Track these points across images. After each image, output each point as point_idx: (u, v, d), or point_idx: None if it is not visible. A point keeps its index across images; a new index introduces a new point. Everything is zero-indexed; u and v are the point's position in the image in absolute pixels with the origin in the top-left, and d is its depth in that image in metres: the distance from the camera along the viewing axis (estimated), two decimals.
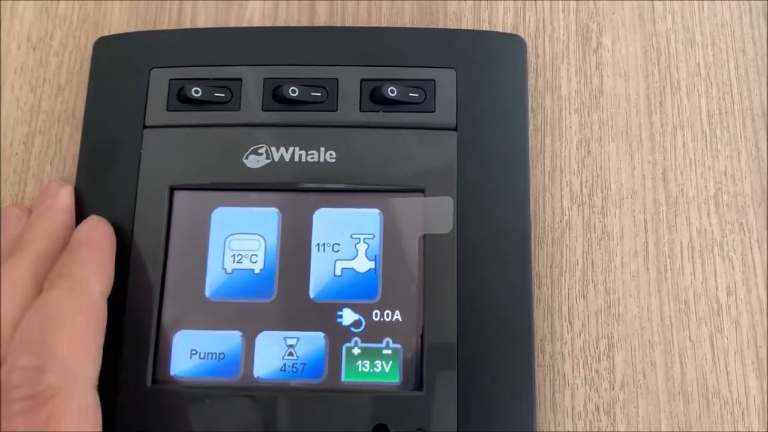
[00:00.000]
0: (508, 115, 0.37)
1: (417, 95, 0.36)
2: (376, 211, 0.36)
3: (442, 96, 0.36)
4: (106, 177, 0.36)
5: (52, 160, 0.39)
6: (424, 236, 0.35)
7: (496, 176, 0.36)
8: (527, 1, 0.40)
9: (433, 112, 0.36)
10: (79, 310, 0.31)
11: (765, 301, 0.36)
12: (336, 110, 0.36)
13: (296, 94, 0.36)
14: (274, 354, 0.34)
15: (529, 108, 0.37)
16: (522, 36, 0.38)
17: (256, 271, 0.35)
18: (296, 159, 0.36)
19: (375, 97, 0.36)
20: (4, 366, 0.29)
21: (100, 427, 0.29)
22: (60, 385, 0.28)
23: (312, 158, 0.36)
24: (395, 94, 0.36)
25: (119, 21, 0.41)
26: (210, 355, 0.34)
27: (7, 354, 0.29)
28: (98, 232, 0.34)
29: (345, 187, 0.36)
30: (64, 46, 0.41)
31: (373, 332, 0.34)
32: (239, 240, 0.36)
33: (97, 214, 0.35)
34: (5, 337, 0.30)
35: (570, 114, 0.38)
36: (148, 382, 0.34)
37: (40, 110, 0.40)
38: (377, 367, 0.34)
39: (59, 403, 0.28)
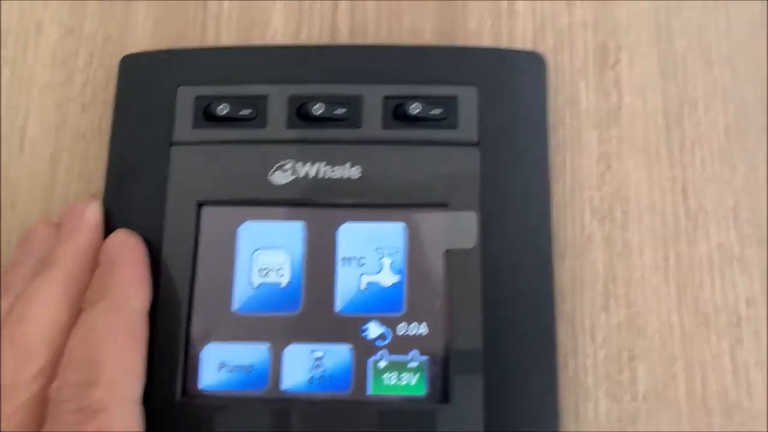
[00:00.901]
0: (528, 130, 0.37)
1: (439, 112, 0.37)
2: (400, 225, 0.36)
3: (464, 113, 0.37)
4: (133, 194, 0.37)
5: (78, 177, 0.40)
6: (448, 251, 0.35)
7: (518, 191, 0.36)
8: (546, 19, 0.41)
9: (456, 128, 0.37)
10: (121, 329, 0.31)
11: None
12: (360, 127, 0.37)
13: (321, 111, 0.37)
14: (302, 366, 0.35)
15: (549, 124, 0.38)
16: (541, 53, 0.39)
17: (283, 284, 0.36)
18: (321, 175, 0.37)
19: (398, 114, 0.37)
20: (55, 383, 0.30)
21: None
22: (108, 399, 0.29)
23: (337, 174, 0.36)
24: (418, 111, 0.37)
25: (143, 39, 0.42)
26: (238, 368, 0.35)
27: (45, 368, 0.30)
28: (129, 246, 0.34)
29: (370, 202, 0.36)
30: (89, 65, 0.42)
31: (399, 345, 0.35)
32: (266, 254, 0.36)
33: None
34: (45, 352, 0.30)
35: (589, 130, 0.39)
36: (178, 396, 0.34)
37: (66, 128, 0.41)
38: (403, 380, 0.34)
39: (107, 416, 0.29)
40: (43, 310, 0.31)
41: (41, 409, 0.29)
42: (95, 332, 0.31)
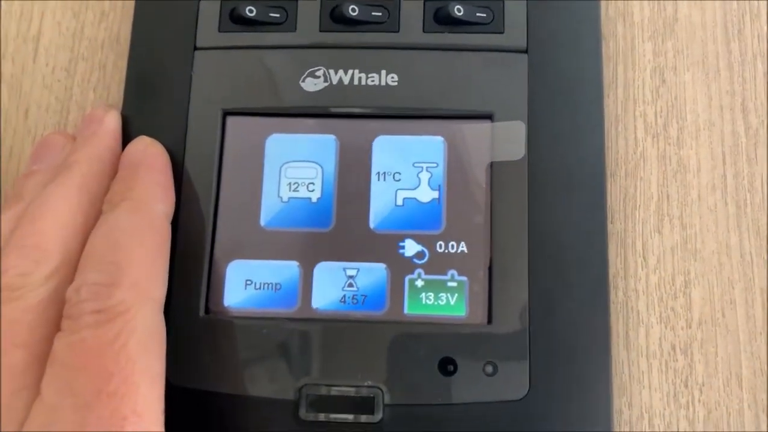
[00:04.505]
0: (580, 40, 0.35)
1: (485, 15, 0.34)
2: (440, 138, 0.34)
3: (512, 17, 0.34)
4: (154, 102, 0.35)
5: (95, 87, 0.38)
6: (492, 164, 0.33)
7: (569, 104, 0.34)
8: None
9: (502, 33, 0.34)
10: (145, 231, 0.29)
11: None
12: (398, 31, 0.34)
13: (356, 13, 0.34)
14: (334, 285, 0.32)
15: (602, 35, 0.35)
16: None
17: (314, 200, 0.33)
18: (356, 82, 0.34)
19: (440, 17, 0.34)
20: (73, 283, 0.28)
21: (164, 349, 0.28)
22: (131, 301, 0.27)
23: (372, 81, 0.34)
24: (461, 13, 0.34)
25: None
26: (266, 285, 0.33)
27: (58, 269, 0.28)
28: (153, 152, 0.32)
29: (407, 113, 0.34)
30: None
31: (438, 264, 0.33)
32: (295, 168, 0.34)
33: None
34: (57, 253, 0.28)
35: (643, 42, 0.36)
36: (201, 312, 0.32)
37: (83, 36, 0.38)
38: (442, 300, 0.32)
39: (130, 319, 0.26)
40: (56, 212, 0.29)
41: (55, 313, 0.27)
42: (117, 232, 0.29)
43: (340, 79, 0.34)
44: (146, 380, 0.26)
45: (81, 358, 0.26)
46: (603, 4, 0.37)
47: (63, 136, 0.35)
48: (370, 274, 0.33)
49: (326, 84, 0.34)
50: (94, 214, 0.31)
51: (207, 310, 0.32)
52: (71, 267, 0.29)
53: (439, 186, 0.33)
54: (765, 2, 0.37)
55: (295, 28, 0.35)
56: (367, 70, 0.34)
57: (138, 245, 0.29)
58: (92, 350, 0.26)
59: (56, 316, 0.27)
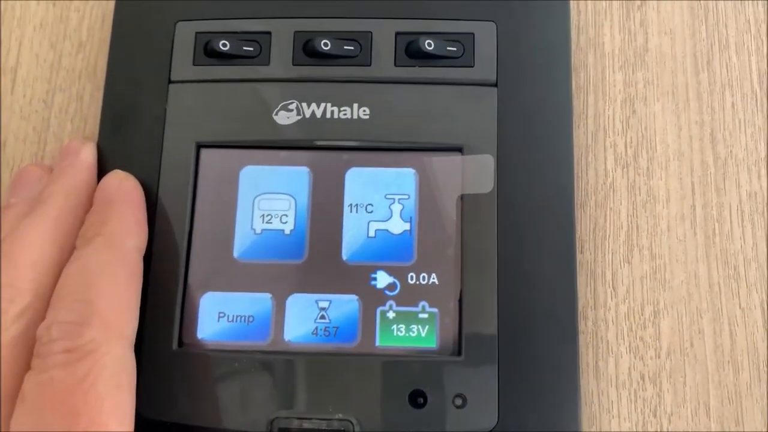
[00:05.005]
0: (550, 71, 0.35)
1: (455, 49, 0.35)
2: (411, 170, 0.34)
3: (482, 50, 0.35)
4: (130, 134, 0.35)
5: (72, 118, 0.38)
6: (462, 196, 0.33)
7: (538, 135, 0.34)
8: None
9: (472, 67, 0.35)
10: (117, 267, 0.30)
11: None
12: (370, 65, 0.35)
13: (328, 47, 0.35)
14: (306, 317, 0.33)
15: (572, 66, 0.35)
16: None
17: (287, 231, 0.34)
18: (328, 115, 0.34)
19: (411, 51, 0.35)
20: (44, 321, 0.28)
21: (134, 385, 0.28)
22: (102, 340, 0.27)
23: (345, 115, 0.34)
24: (432, 47, 0.34)
25: None
26: (239, 318, 0.33)
27: (30, 307, 0.28)
28: (127, 186, 0.33)
29: (379, 146, 0.34)
30: (84, 2, 0.39)
31: (409, 296, 0.33)
32: (269, 200, 0.34)
33: None
34: (30, 291, 0.29)
35: (614, 72, 0.37)
36: (174, 345, 0.32)
37: (60, 67, 0.39)
38: (413, 332, 0.32)
39: (99, 357, 0.27)
40: (31, 247, 0.30)
41: (27, 350, 0.28)
42: (89, 269, 0.29)
43: (313, 113, 0.34)
44: (115, 418, 0.27)
45: (50, 397, 0.26)
46: (574, 33, 0.37)
47: (39, 168, 0.35)
48: (342, 306, 0.33)
49: (299, 117, 0.34)
50: (68, 248, 0.31)
51: (180, 343, 0.33)
52: (44, 303, 0.29)
53: (411, 218, 0.34)
54: (733, 33, 0.37)
55: (269, 62, 0.35)
56: (339, 104, 0.34)
57: (109, 283, 0.29)
58: (61, 389, 0.26)
59: (27, 353, 0.28)
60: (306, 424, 0.31)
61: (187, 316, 0.33)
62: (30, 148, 0.38)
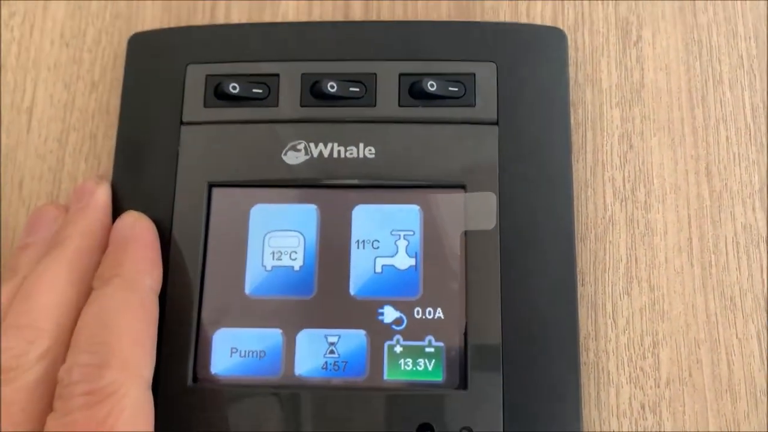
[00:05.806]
0: (549, 108, 0.36)
1: (457, 89, 0.36)
2: (416, 207, 0.35)
3: (483, 90, 0.36)
4: (143, 174, 0.36)
5: (86, 157, 0.39)
6: (466, 233, 0.34)
7: (539, 171, 0.35)
8: None
9: (474, 106, 0.36)
10: (134, 308, 0.31)
11: None
12: (375, 105, 0.36)
13: (334, 89, 0.36)
14: (316, 352, 0.34)
15: (570, 102, 0.36)
16: (561, 29, 0.37)
17: (296, 268, 0.35)
18: (335, 155, 0.36)
19: (414, 92, 0.36)
20: (65, 364, 0.29)
21: (152, 424, 0.29)
22: (121, 381, 0.28)
23: (351, 154, 0.35)
24: (435, 88, 0.35)
25: (152, 18, 0.41)
26: (251, 353, 0.34)
27: (50, 349, 0.29)
28: (141, 227, 0.34)
29: (384, 183, 0.35)
30: (97, 43, 0.41)
31: (415, 330, 0.34)
32: (278, 237, 0.35)
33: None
34: (49, 332, 0.30)
35: (611, 108, 0.38)
36: (189, 381, 0.33)
37: (74, 107, 0.40)
38: (420, 366, 0.34)
39: (120, 398, 0.28)
40: (49, 289, 0.31)
41: (48, 391, 0.29)
42: (107, 311, 0.30)
43: (321, 152, 0.36)
44: None
45: None
46: (572, 70, 0.38)
47: (55, 208, 0.36)
48: (351, 340, 0.34)
49: (307, 157, 0.36)
50: (85, 290, 0.32)
51: (195, 379, 0.34)
52: (63, 344, 0.30)
53: (416, 253, 0.35)
54: (727, 68, 0.38)
55: (277, 104, 0.36)
56: (345, 143, 0.36)
57: (127, 324, 0.30)
58: (83, 431, 0.27)
59: (48, 394, 0.29)
60: None
61: (201, 352, 0.34)
62: (45, 187, 0.39)
